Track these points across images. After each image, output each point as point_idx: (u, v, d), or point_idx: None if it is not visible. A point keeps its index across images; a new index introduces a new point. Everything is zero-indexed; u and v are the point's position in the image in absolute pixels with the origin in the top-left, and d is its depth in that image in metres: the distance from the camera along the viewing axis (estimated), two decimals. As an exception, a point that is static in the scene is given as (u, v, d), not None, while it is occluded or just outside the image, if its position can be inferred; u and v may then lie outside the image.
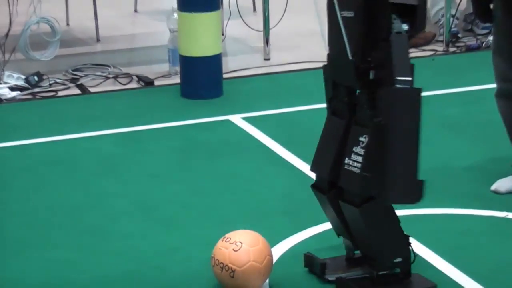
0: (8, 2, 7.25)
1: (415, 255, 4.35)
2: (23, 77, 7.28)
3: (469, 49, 8.02)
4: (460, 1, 8.19)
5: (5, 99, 7.05)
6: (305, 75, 7.45)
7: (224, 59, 7.33)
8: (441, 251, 4.67)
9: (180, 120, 6.57)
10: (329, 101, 4.40)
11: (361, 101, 4.14)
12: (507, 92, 5.20)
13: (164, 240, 4.90)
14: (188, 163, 5.88)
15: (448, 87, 7.01)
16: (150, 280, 4.52)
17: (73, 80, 7.45)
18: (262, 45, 7.96)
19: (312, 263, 4.52)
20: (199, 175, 5.71)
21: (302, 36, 8.40)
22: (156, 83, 7.38)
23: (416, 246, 4.45)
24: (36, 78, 7.28)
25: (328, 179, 4.32)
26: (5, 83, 7.21)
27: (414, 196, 4.04)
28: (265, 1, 7.90)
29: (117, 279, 4.54)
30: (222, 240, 4.34)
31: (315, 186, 4.44)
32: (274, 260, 4.44)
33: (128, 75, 7.52)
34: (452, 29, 8.13)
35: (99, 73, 7.59)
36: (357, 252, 4.44)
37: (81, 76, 7.53)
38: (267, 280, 4.40)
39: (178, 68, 7.20)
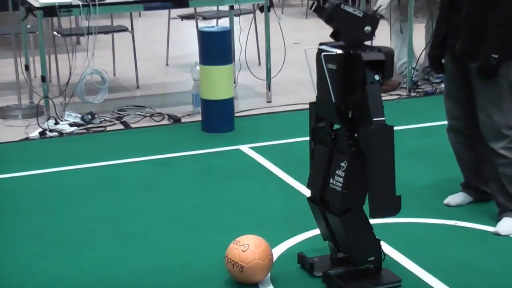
0: (69, 58, 7.25)
1: (385, 254, 4.34)
2: (80, 116, 7.28)
3: (426, 94, 8.00)
4: (419, 56, 8.19)
5: (65, 133, 7.04)
6: (299, 114, 7.42)
7: (235, 102, 7.33)
8: (405, 251, 4.65)
9: (201, 149, 6.55)
10: (311, 131, 4.44)
11: (341, 134, 4.18)
12: (455, 127, 5.20)
13: (188, 243, 4.88)
14: (207, 183, 5.86)
15: (410, 123, 7.00)
16: (177, 274, 4.51)
17: (118, 118, 7.44)
18: (265, 90, 7.95)
19: (304, 262, 4.51)
20: (216, 192, 5.69)
21: (297, 84, 8.39)
22: (183, 120, 7.37)
23: (386, 247, 4.43)
24: (89, 116, 7.28)
25: (319, 195, 4.32)
26: (66, 120, 7.21)
27: (394, 210, 4.10)
28: (267, 56, 7.90)
29: (151, 273, 4.52)
30: (233, 243, 4.33)
31: (310, 199, 4.45)
32: (274, 258, 4.43)
33: (160, 114, 7.51)
34: (413, 78, 8.13)
35: (138, 113, 7.58)
36: (340, 254, 4.42)
37: (124, 115, 7.52)
38: (269, 274, 4.38)
39: (199, 109, 7.19)
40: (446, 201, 5.31)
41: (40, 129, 7.05)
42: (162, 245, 4.86)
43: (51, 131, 7.04)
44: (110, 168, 6.22)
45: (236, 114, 7.21)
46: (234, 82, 7.89)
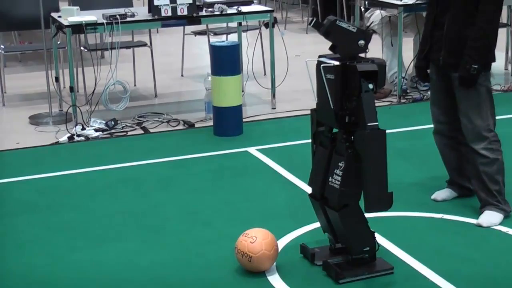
0: (94, 70, 7.26)
1: (379, 245, 4.35)
2: (104, 122, 7.28)
3: (415, 100, 7.99)
4: (408, 67, 8.19)
5: (91, 138, 7.04)
6: (301, 119, 7.43)
7: (244, 109, 7.33)
8: (397, 242, 4.65)
9: (213, 151, 6.55)
10: (313, 134, 4.45)
11: (339, 137, 4.19)
12: (440, 130, 5.21)
13: (202, 235, 4.89)
14: (219, 182, 5.86)
15: (400, 127, 6.99)
16: (192, 263, 4.51)
17: (138, 124, 7.44)
18: (270, 98, 7.95)
19: (305, 252, 4.51)
20: (227, 190, 5.69)
21: (298, 92, 8.39)
22: (196, 125, 7.36)
23: (379, 238, 4.43)
24: (113, 122, 7.28)
25: (320, 192, 4.33)
26: (91, 126, 7.21)
27: (387, 205, 4.13)
28: (272, 68, 7.90)
29: (169, 262, 4.53)
30: (243, 235, 4.33)
31: (311, 195, 4.45)
32: (280, 249, 4.43)
33: (176, 120, 7.51)
34: (403, 87, 8.12)
35: (157, 119, 7.58)
36: (338, 245, 4.43)
37: (144, 121, 7.53)
38: (275, 263, 4.38)
39: (211, 115, 7.19)
40: (433, 196, 5.31)
41: (69, 134, 7.06)
42: (179, 237, 4.87)
43: (78, 136, 7.05)
44: (132, 168, 6.22)
45: (244, 120, 7.20)
46: (242, 91, 7.89)
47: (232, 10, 7.66)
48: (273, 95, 7.94)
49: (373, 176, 4.05)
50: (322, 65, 4.16)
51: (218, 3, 7.60)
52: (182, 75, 9.56)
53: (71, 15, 7.20)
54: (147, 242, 4.83)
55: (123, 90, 7.51)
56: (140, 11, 7.48)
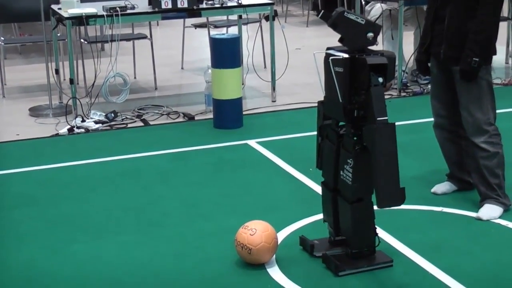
0: (94, 62, 7.26)
1: (379, 241, 4.34)
2: (104, 114, 7.28)
3: (415, 94, 7.98)
4: (408, 61, 8.18)
5: (91, 130, 7.04)
6: (300, 112, 7.43)
7: (243, 101, 7.32)
8: (397, 235, 4.65)
9: (213, 144, 6.55)
10: (319, 127, 4.41)
11: (347, 131, 4.15)
12: (440, 124, 5.20)
13: (202, 228, 4.88)
14: (219, 174, 5.86)
15: (400, 120, 6.94)
16: (192, 256, 4.51)
17: (138, 116, 7.44)
18: (270, 91, 7.94)
19: (305, 244, 4.51)
20: (226, 182, 5.68)
21: (298, 85, 8.38)
22: (196, 118, 7.36)
23: (379, 231, 4.40)
24: (112, 115, 7.27)
25: (332, 184, 4.34)
26: (91, 118, 7.21)
27: (399, 200, 4.06)
28: (272, 61, 7.89)
29: (169, 255, 4.53)
30: (242, 228, 4.33)
31: (324, 184, 4.45)
32: (279, 241, 4.43)
33: (176, 112, 7.51)
34: (403, 80, 8.11)
35: (157, 111, 7.58)
36: (338, 237, 4.42)
37: (144, 113, 7.52)
38: (274, 256, 4.37)
39: (211, 108, 7.18)
40: (433, 190, 5.31)
41: (69, 126, 7.05)
42: (179, 230, 4.86)
43: (78, 128, 7.04)
44: (131, 161, 6.21)
45: (244, 112, 7.19)
46: (242, 84, 7.88)
47: (233, 2, 7.65)
48: (273, 88, 7.93)
49: (384, 171, 3.99)
50: (331, 57, 4.09)
51: (218, -5, 7.60)
52: (182, 68, 9.56)
53: (71, 7, 7.18)
54: (146, 235, 4.82)
55: (123, 82, 7.50)
56: (140, 3, 7.46)
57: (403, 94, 8.01)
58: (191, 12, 7.47)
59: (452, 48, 4.85)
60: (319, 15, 4.13)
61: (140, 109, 7.64)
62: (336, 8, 4.08)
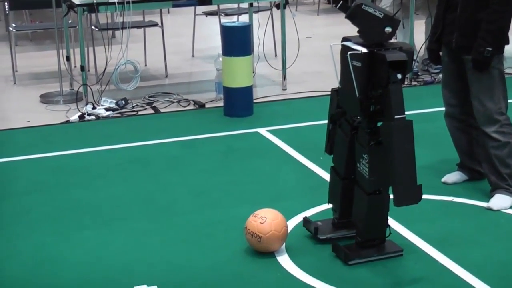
0: (105, 50, 7.25)
1: (390, 232, 4.32)
2: (114, 101, 7.28)
3: (426, 83, 7.96)
4: (419, 50, 8.14)
5: (102, 117, 7.04)
6: (311, 101, 7.42)
7: (254, 90, 7.30)
8: (407, 224, 4.64)
9: (223, 132, 6.54)
10: (330, 116, 4.40)
11: (362, 125, 4.11)
12: (451, 113, 5.18)
13: (211, 216, 4.87)
14: (228, 162, 5.85)
15: (412, 109, 6.90)
16: (202, 244, 4.50)
17: (149, 104, 7.44)
18: (281, 79, 7.93)
19: (308, 225, 4.53)
20: (236, 170, 5.67)
21: (309, 74, 8.37)
22: (207, 106, 7.35)
23: (390, 221, 4.37)
24: (123, 102, 7.27)
25: (343, 174, 4.33)
26: (102, 105, 7.21)
27: (416, 198, 4.04)
28: (283, 49, 7.87)
29: (178, 242, 4.53)
30: (252, 216, 4.32)
31: (334, 170, 4.44)
32: (289, 230, 4.42)
33: (187, 100, 7.50)
34: (414, 69, 8.09)
35: (167, 99, 7.57)
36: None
37: (154, 101, 7.52)
38: (284, 244, 4.37)
39: (222, 96, 7.18)
40: (443, 179, 5.29)
41: (79, 113, 7.06)
42: (188, 218, 4.86)
43: (89, 115, 7.04)
44: (142, 148, 6.21)
45: (254, 101, 7.18)
46: (253, 72, 7.86)
47: (244, -10, 7.63)
48: (284, 77, 7.91)
49: (402, 169, 3.95)
50: (349, 52, 4.01)
51: (229, -17, 7.59)
52: (193, 56, 9.55)
53: (82, -6, 7.17)
54: (155, 222, 4.81)
55: (133, 69, 7.50)
56: (152, -9, 7.44)
57: (414, 83, 7.98)
58: (202, 0, 7.46)
59: (464, 37, 4.82)
60: (337, 6, 4.06)
61: (151, 96, 7.64)
62: (356, 0, 4.01)
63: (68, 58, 7.90)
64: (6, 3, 8.70)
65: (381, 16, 3.97)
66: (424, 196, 4.98)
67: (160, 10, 8.85)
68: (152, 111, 7.26)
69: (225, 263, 4.26)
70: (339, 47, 4.15)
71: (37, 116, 7.11)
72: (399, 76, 3.93)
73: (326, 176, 4.97)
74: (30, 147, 6.24)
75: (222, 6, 9.41)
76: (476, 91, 4.87)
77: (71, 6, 7.22)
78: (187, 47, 9.65)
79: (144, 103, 7.43)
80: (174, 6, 7.62)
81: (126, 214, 4.94)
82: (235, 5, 9.76)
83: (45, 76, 8.55)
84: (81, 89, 7.34)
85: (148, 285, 4.02)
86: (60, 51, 7.75)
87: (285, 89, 7.89)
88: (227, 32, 6.95)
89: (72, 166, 5.81)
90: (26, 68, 8.88)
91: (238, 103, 6.97)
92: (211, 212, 4.93)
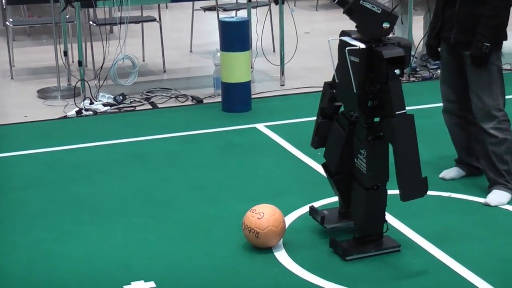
0: (103, 45, 7.25)
1: (388, 227, 4.33)
2: (112, 96, 7.28)
3: (424, 79, 7.97)
4: (418, 45, 8.14)
5: (99, 112, 7.04)
6: (309, 97, 7.42)
7: (252, 85, 7.31)
8: (404, 220, 4.65)
9: (221, 127, 6.55)
10: (321, 109, 4.41)
11: (360, 121, 4.11)
12: (449, 109, 5.19)
13: (209, 211, 4.88)
14: (226, 158, 5.86)
15: (409, 105, 6.90)
16: (199, 239, 4.51)
17: (147, 99, 7.44)
18: (279, 75, 7.93)
19: (315, 214, 4.54)
20: (234, 166, 5.68)
21: (307, 69, 8.37)
22: (205, 101, 7.36)
23: (387, 216, 4.39)
24: (121, 97, 7.27)
25: (334, 170, 4.34)
26: (100, 101, 7.21)
27: (423, 191, 4.07)
28: (281, 44, 7.87)
29: (176, 238, 4.54)
30: (250, 211, 4.32)
31: (325, 167, 4.45)
32: (287, 225, 4.43)
33: (185, 95, 7.50)
34: (412, 65, 8.09)
35: (165, 94, 7.57)
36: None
37: (152, 96, 7.52)
38: (282, 240, 4.38)
39: (220, 91, 7.18)
40: (441, 175, 5.30)
41: (77, 109, 7.06)
42: (186, 213, 4.87)
43: (86, 110, 7.04)
44: (140, 143, 6.22)
45: (252, 96, 7.19)
46: (251, 67, 7.86)
47: (242, -15, 7.64)
48: (282, 72, 7.91)
49: (407, 163, 3.97)
50: (347, 48, 4.02)
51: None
52: (191, 51, 9.55)
53: (80, -11, 7.18)
54: (154, 217, 4.82)
55: (131, 65, 7.50)
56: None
57: (412, 79, 7.99)
58: (200, -6, 7.48)
59: (462, 33, 4.82)
60: (336, 1, 4.06)
61: (149, 92, 7.64)
62: None
63: (65, 53, 7.90)
64: (3, -2, 8.71)
65: (379, 11, 3.98)
66: (422, 192, 5.02)
67: (158, 5, 8.84)
68: (150, 107, 7.26)
69: (223, 259, 4.27)
70: (337, 42, 4.16)
71: (34, 111, 7.11)
72: (397, 71, 3.94)
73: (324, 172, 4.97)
74: (28, 142, 6.25)
75: (220, 1, 9.41)
76: (475, 87, 4.88)
77: (69, 1, 7.22)
78: (185, 42, 9.65)
79: (142, 99, 7.44)
80: (173, 1, 7.65)
81: (124, 209, 4.95)
82: (234, 0, 9.76)
83: (43, 71, 8.55)
84: (78, 84, 7.34)
85: (145, 281, 4.03)
86: (58, 46, 7.75)
87: (283, 85, 7.89)
88: (225, 27, 6.95)
89: (70, 162, 5.82)
90: (23, 63, 8.88)
91: (236, 98, 6.98)
92: (209, 208, 4.94)
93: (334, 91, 4.29)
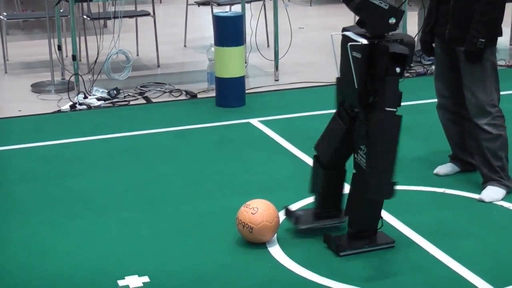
0: (97, 39, 7.23)
1: (382, 224, 4.33)
2: (106, 91, 7.27)
3: (418, 74, 7.97)
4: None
5: (93, 106, 7.03)
6: (303, 92, 7.42)
7: (246, 80, 7.30)
8: (398, 216, 4.64)
9: (215, 122, 6.54)
10: (337, 106, 4.37)
11: (360, 116, 4.10)
12: (443, 104, 5.19)
13: (203, 206, 4.88)
14: (220, 153, 5.85)
15: (403, 101, 6.90)
16: (193, 234, 4.51)
17: (141, 93, 7.42)
18: (273, 70, 7.93)
19: (290, 215, 4.53)
20: (228, 161, 5.68)
21: (301, 64, 8.36)
22: (198, 96, 7.35)
23: (382, 213, 4.39)
24: (115, 92, 7.26)
25: (327, 162, 4.32)
26: (93, 95, 7.20)
27: (389, 195, 4.05)
28: (275, 39, 7.87)
29: (170, 232, 4.53)
30: (244, 206, 4.32)
31: (317, 159, 4.43)
32: (280, 221, 4.42)
33: (179, 90, 7.49)
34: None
35: (159, 89, 7.56)
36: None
37: (146, 91, 7.51)
38: (275, 235, 4.38)
39: (214, 86, 7.17)
40: (435, 171, 5.30)
41: (71, 103, 7.05)
42: (180, 208, 4.86)
43: (80, 104, 7.03)
44: (133, 138, 6.21)
45: (246, 91, 7.18)
46: (245, 62, 7.86)
47: (236, -20, 7.62)
48: (276, 67, 7.91)
49: (381, 161, 3.96)
50: (350, 43, 4.01)
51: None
52: (185, 46, 9.54)
53: (74, -17, 7.16)
54: (147, 212, 4.82)
55: (125, 59, 7.50)
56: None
57: (406, 74, 7.97)
58: (195, -11, 7.46)
59: (457, 29, 4.82)
60: None
61: (143, 86, 7.63)
62: None
63: (59, 48, 7.88)
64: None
65: (386, 7, 3.97)
66: (416, 188, 5.04)
67: (152, 0, 8.83)
68: (143, 101, 7.25)
69: (217, 254, 4.27)
70: (339, 37, 4.16)
71: (28, 105, 7.10)
72: (398, 69, 3.93)
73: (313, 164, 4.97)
74: (22, 137, 6.23)
75: (214, -4, 9.41)
76: (469, 82, 4.87)
77: (63, -5, 7.21)
78: (179, 37, 9.63)
79: (135, 93, 7.43)
80: (167, -5, 7.61)
81: (118, 204, 4.94)
82: (228, -5, 9.75)
83: (37, 65, 8.53)
84: (72, 79, 7.33)
85: (139, 275, 4.02)
86: (52, 40, 7.73)
87: (277, 80, 7.89)
88: (219, 22, 6.94)
89: (64, 156, 5.81)
90: (17, 57, 8.86)
91: (230, 93, 6.97)
92: (203, 203, 4.93)
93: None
